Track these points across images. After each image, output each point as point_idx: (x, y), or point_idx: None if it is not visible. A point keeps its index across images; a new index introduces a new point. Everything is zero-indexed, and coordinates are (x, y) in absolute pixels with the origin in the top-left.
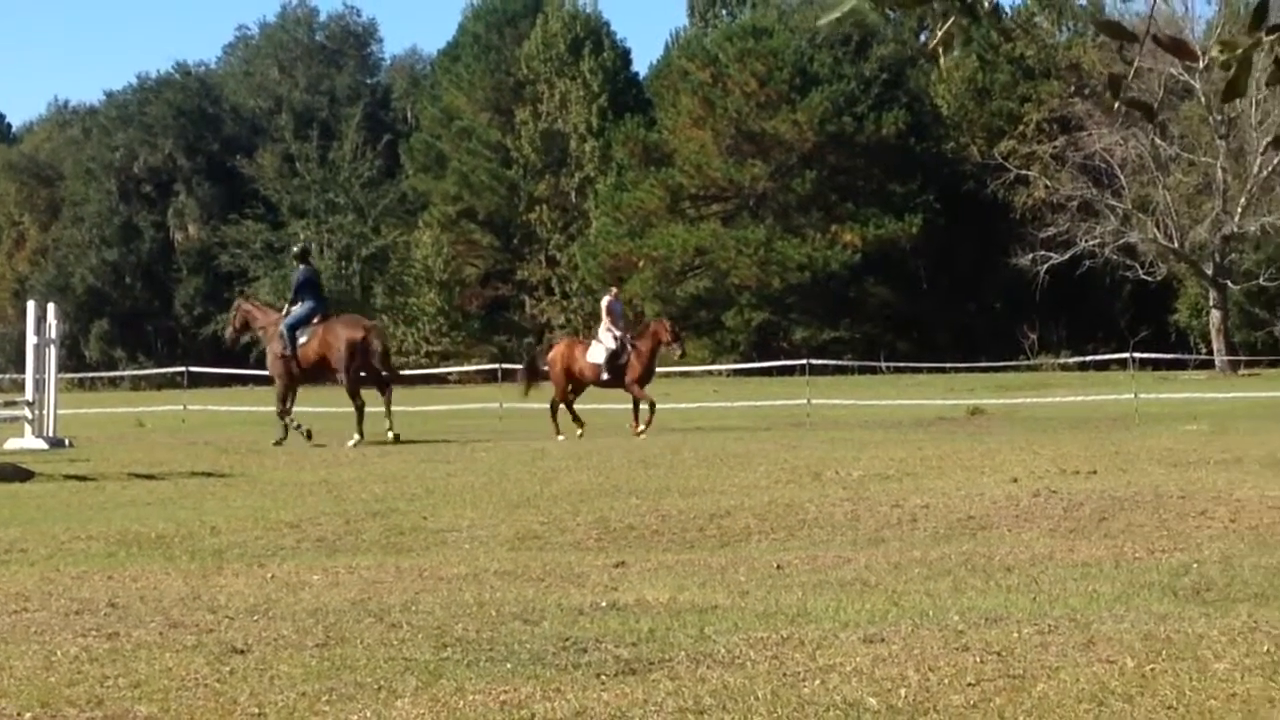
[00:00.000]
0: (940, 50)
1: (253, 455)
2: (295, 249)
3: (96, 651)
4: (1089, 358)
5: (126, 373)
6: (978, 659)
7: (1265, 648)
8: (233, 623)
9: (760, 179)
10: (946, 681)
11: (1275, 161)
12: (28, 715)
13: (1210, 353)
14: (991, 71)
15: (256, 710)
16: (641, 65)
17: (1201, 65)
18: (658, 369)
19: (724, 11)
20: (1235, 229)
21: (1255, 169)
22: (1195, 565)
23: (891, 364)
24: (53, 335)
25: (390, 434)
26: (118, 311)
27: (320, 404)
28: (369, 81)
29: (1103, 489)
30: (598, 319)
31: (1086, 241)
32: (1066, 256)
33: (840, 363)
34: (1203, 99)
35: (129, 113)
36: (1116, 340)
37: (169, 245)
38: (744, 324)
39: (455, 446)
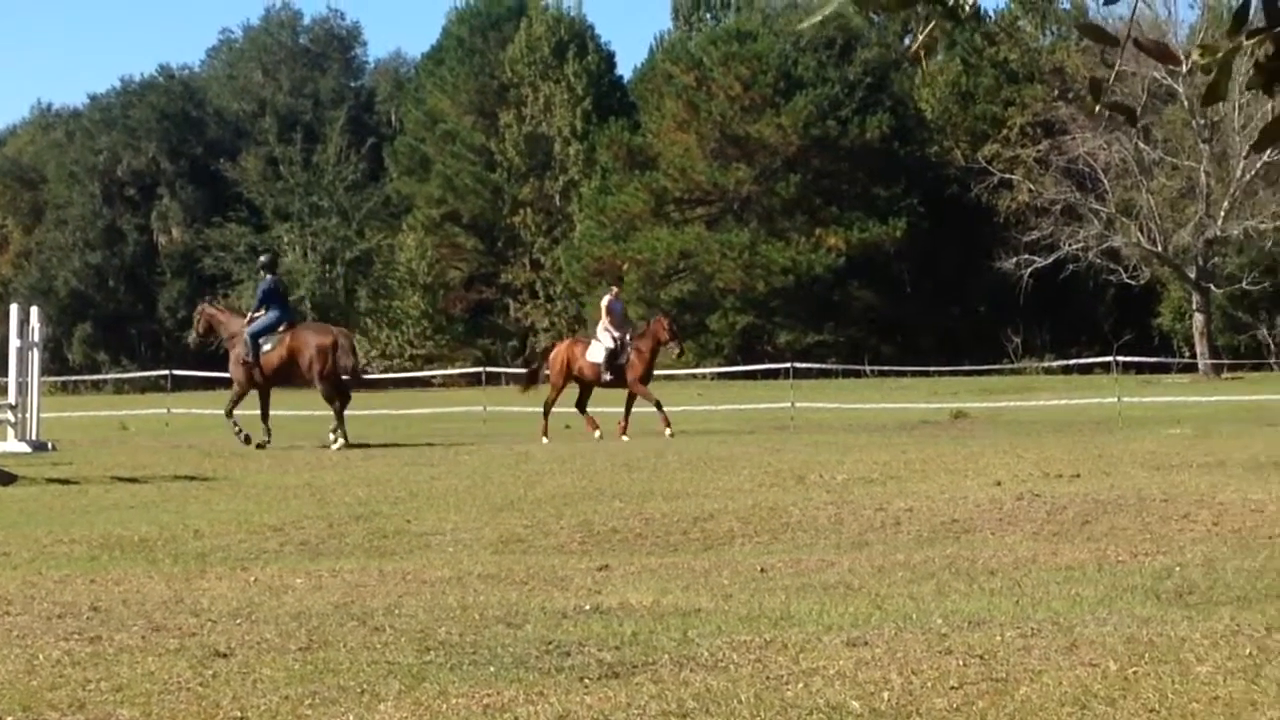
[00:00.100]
0: (923, 54)
1: (236, 458)
2: (262, 258)
3: (79, 655)
4: (1072, 361)
5: (110, 376)
6: (961, 662)
7: (1248, 651)
8: (215, 626)
9: (744, 182)
10: (929, 685)
11: (1258, 165)
12: (9, 719)
13: (1193, 356)
14: (975, 75)
15: (239, 714)
16: (626, 68)
17: (1184, 69)
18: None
19: (708, 15)
20: (1218, 233)
21: (1238, 173)
22: (1178, 568)
23: (875, 367)
24: (36, 338)
25: (337, 443)
26: (101, 315)
27: (296, 407)
28: (353, 85)
29: (1086, 492)
30: (581, 322)
31: (1070, 245)
32: (1050, 260)
33: (824, 366)
34: (1185, 103)
35: (112, 116)
36: (1100, 344)
37: (153, 248)
38: (728, 327)
39: (439, 450)
